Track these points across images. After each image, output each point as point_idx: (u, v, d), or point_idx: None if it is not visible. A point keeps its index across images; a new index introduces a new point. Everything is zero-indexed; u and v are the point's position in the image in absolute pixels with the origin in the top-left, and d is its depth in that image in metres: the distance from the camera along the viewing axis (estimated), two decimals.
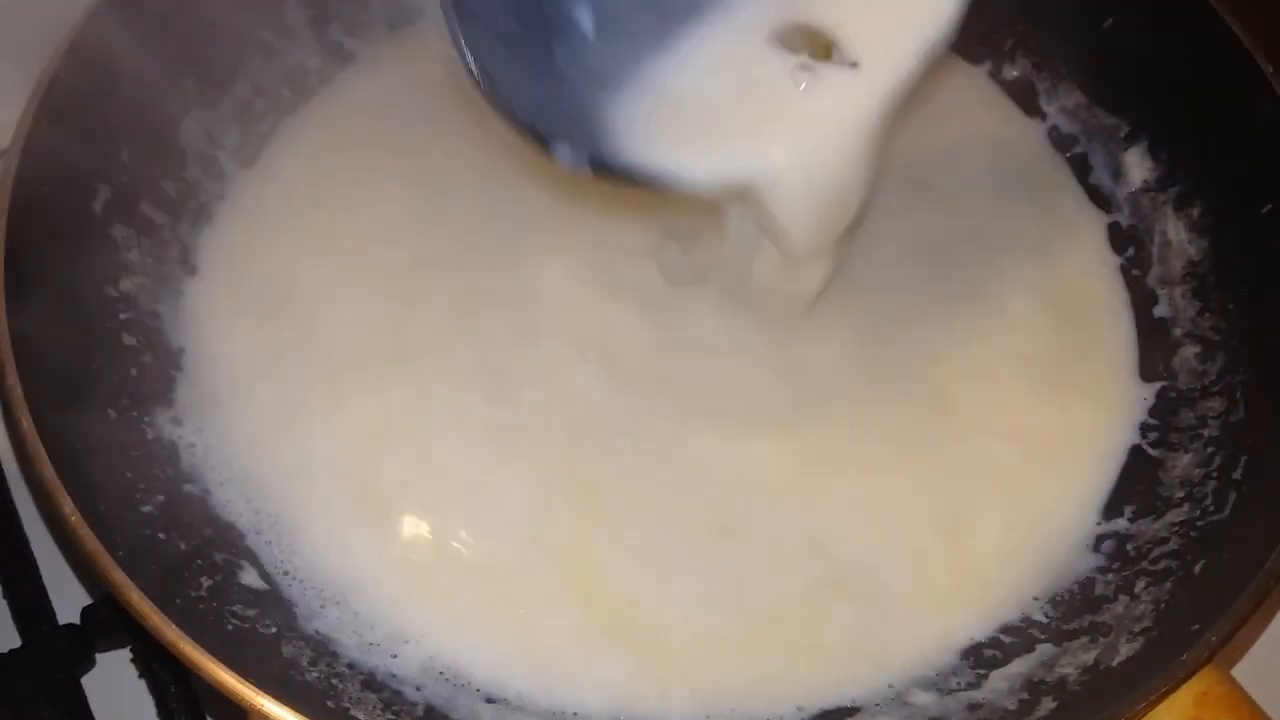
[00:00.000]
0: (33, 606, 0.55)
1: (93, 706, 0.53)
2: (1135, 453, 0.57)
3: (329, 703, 0.45)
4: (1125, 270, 0.63)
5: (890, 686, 0.50)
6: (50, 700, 0.53)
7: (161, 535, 0.49)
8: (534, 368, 0.57)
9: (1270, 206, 0.57)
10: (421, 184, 0.63)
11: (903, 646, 0.51)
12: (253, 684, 0.41)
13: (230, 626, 0.47)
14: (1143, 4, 0.63)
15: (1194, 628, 0.44)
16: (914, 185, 0.64)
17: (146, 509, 0.50)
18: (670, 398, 0.56)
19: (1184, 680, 0.42)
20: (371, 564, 0.52)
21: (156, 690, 0.54)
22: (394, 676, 0.49)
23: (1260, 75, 0.57)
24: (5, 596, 0.56)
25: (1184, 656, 0.43)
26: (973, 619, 0.52)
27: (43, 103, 0.53)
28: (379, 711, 0.46)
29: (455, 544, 0.53)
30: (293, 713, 0.40)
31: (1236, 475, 0.52)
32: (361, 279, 0.59)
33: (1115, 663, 0.47)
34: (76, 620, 0.55)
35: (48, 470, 0.45)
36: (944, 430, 0.57)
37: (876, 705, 0.50)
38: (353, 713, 0.45)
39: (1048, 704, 0.46)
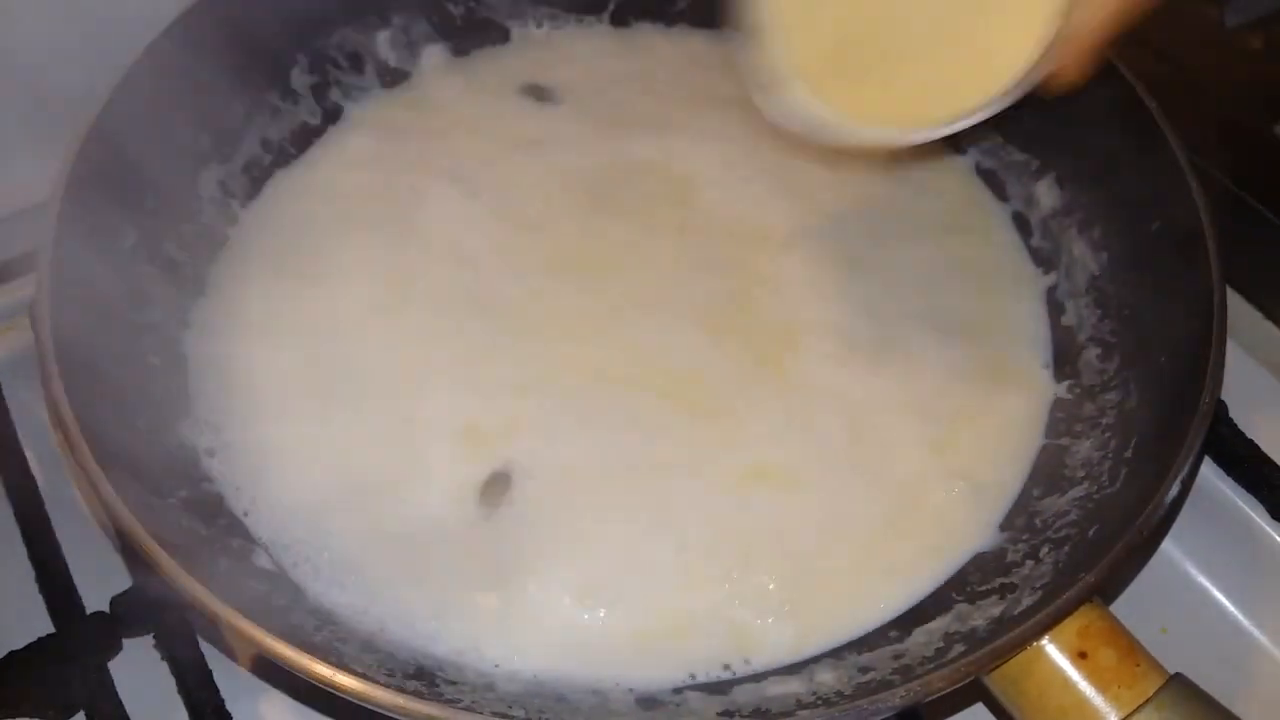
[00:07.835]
0: (63, 597, 0.61)
1: (119, 688, 0.59)
2: (1046, 445, 0.64)
3: (331, 658, 0.51)
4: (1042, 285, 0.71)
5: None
6: (81, 682, 0.58)
7: (185, 522, 0.56)
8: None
9: (1158, 224, 0.65)
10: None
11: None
12: (265, 629, 0.47)
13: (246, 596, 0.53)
14: None
15: (1081, 576, 0.51)
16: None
17: (172, 500, 0.57)
18: None
19: (1067, 614, 0.49)
20: (365, 550, 0.59)
21: (177, 671, 0.60)
22: (388, 643, 0.55)
23: (1146, 111, 0.66)
24: (40, 590, 0.62)
25: (1066, 595, 0.49)
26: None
27: (79, 159, 0.61)
28: (375, 666, 0.52)
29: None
30: (298, 651, 0.47)
31: (1128, 454, 0.59)
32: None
33: (1017, 612, 0.53)
34: (105, 609, 0.61)
35: (91, 464, 0.51)
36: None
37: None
38: (351, 667, 0.51)
39: (958, 649, 0.52)
